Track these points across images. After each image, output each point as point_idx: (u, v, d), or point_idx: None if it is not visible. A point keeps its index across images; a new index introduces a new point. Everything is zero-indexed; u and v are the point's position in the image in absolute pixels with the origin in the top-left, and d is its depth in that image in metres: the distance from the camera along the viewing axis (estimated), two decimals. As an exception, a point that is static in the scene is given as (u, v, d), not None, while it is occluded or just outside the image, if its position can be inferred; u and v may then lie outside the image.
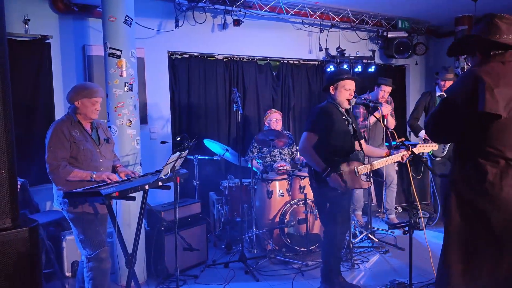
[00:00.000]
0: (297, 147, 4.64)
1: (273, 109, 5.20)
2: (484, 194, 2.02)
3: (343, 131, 3.35)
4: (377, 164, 3.43)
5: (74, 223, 3.03)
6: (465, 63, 6.36)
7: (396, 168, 5.93)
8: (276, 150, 5.02)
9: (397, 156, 3.38)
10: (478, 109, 1.94)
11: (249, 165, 4.61)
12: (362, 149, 3.54)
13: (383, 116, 4.99)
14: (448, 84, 4.77)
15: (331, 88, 3.41)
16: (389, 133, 5.11)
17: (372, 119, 4.96)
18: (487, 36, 2.06)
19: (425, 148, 3.59)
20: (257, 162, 5.02)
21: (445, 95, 2.15)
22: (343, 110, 3.42)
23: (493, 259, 2.02)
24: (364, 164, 3.39)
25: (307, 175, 3.93)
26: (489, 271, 2.03)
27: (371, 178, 4.91)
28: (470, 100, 1.98)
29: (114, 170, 3.31)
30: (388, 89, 5.15)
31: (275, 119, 5.02)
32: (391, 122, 5.19)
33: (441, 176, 2.39)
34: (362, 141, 3.57)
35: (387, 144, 3.51)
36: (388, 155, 3.48)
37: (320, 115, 3.33)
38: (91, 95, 3.04)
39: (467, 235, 2.08)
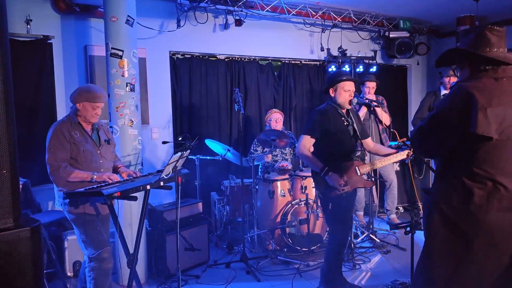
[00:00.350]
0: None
1: (274, 109, 5.21)
2: (469, 216, 1.95)
3: (342, 132, 3.37)
4: (380, 162, 3.43)
5: (76, 224, 3.03)
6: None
7: (398, 169, 5.92)
8: (278, 150, 5.02)
9: (401, 155, 3.37)
10: (469, 130, 1.87)
11: (256, 163, 4.61)
12: (364, 149, 3.54)
13: (375, 110, 4.95)
14: (453, 80, 4.71)
15: (330, 90, 3.42)
16: (382, 136, 5.15)
17: (361, 113, 4.92)
18: (476, 49, 1.98)
19: None
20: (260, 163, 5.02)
21: (434, 111, 2.08)
22: (343, 111, 3.43)
23: (473, 280, 1.99)
24: (365, 163, 3.39)
25: (309, 175, 3.94)
26: None
27: (373, 178, 4.92)
28: (461, 118, 1.91)
29: (116, 170, 3.31)
30: (372, 84, 5.10)
31: (274, 119, 5.01)
32: (385, 117, 5.06)
33: (424, 191, 2.33)
34: (369, 140, 3.57)
35: (391, 143, 3.50)
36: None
37: (317, 118, 3.36)
38: (93, 99, 3.04)
39: (448, 255, 2.03)
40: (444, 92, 5.07)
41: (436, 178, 2.19)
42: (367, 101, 4.03)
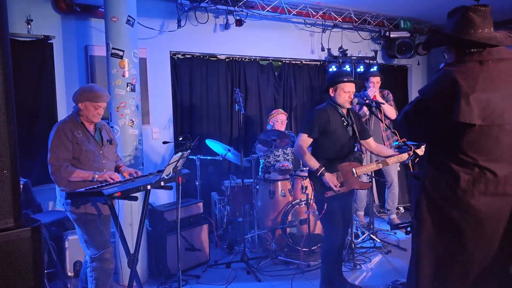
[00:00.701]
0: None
1: (279, 110, 5.17)
2: (456, 201, 1.95)
3: (341, 132, 3.36)
4: (380, 164, 3.42)
5: (78, 224, 3.03)
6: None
7: (399, 169, 5.92)
8: (280, 150, 5.02)
9: (404, 156, 3.37)
10: (452, 117, 1.86)
11: (261, 161, 4.61)
12: (364, 150, 3.54)
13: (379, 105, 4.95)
14: None
15: (330, 90, 3.42)
16: (384, 135, 5.14)
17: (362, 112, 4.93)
18: (461, 32, 1.94)
19: None
20: (260, 163, 5.02)
21: (419, 96, 2.05)
22: (344, 111, 3.42)
23: (462, 266, 1.98)
24: (362, 164, 3.39)
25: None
26: (458, 278, 1.99)
27: (373, 179, 4.92)
28: (445, 105, 1.89)
29: (117, 170, 3.32)
30: (376, 79, 5.12)
31: (280, 120, 5.02)
32: (390, 111, 5.06)
33: (414, 176, 2.31)
34: (371, 140, 3.57)
35: (395, 143, 3.48)
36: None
37: (316, 117, 3.35)
38: (95, 99, 3.04)
39: (437, 241, 2.02)
40: None
41: (424, 162, 2.17)
42: (367, 101, 4.03)
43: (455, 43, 2.01)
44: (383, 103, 4.73)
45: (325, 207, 3.29)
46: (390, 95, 5.27)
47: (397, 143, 3.43)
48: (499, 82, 1.88)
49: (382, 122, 4.04)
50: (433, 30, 6.99)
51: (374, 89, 5.04)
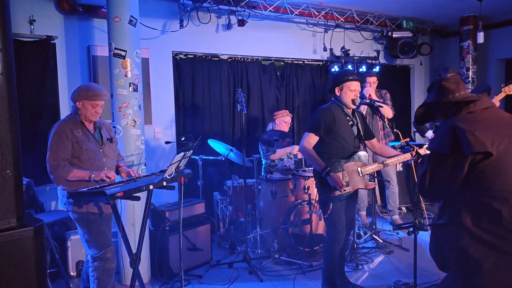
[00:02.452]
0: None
1: (286, 111, 5.15)
2: (504, 233, 1.97)
3: (346, 132, 3.35)
4: (384, 164, 3.42)
5: (80, 223, 3.04)
6: (470, 63, 6.34)
7: (401, 169, 5.91)
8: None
9: (407, 156, 3.36)
10: (466, 154, 1.96)
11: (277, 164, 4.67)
12: (366, 150, 3.54)
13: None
14: None
15: (336, 89, 3.41)
16: (381, 133, 5.14)
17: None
18: (442, 99, 2.20)
19: None
20: (263, 163, 5.02)
21: (428, 153, 2.18)
22: (349, 111, 3.42)
23: None
24: (367, 164, 3.38)
25: (312, 175, 3.93)
26: None
27: (375, 179, 4.91)
28: (456, 148, 2.00)
29: (117, 169, 3.32)
30: (372, 79, 5.08)
31: (286, 122, 5.02)
32: (386, 110, 4.94)
33: (434, 225, 2.32)
34: (374, 141, 3.57)
35: (403, 144, 3.48)
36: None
37: (322, 116, 3.34)
38: (93, 98, 3.05)
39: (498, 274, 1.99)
40: None
41: (443, 211, 2.19)
42: (369, 101, 4.02)
43: (441, 111, 2.24)
44: (381, 102, 4.70)
45: (331, 207, 3.28)
46: (388, 94, 5.25)
47: (399, 143, 3.43)
48: (490, 124, 2.06)
49: (383, 120, 4.03)
50: (436, 30, 6.98)
51: (370, 88, 5.03)
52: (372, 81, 5.09)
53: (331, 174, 3.20)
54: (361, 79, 3.88)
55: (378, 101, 4.47)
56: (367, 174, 3.36)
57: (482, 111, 2.12)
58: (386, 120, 5.12)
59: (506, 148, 1.98)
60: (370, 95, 4.97)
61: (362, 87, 5.15)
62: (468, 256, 2.04)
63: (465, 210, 2.07)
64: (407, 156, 3.36)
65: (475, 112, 2.11)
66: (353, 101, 3.38)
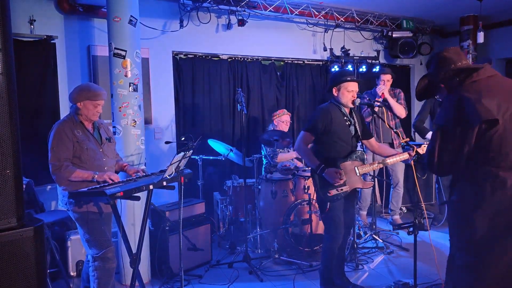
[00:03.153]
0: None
1: (285, 110, 5.14)
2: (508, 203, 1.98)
3: (343, 131, 3.36)
4: (384, 162, 3.42)
5: (80, 223, 3.04)
6: (470, 63, 6.32)
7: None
8: (285, 149, 5.02)
9: (405, 155, 3.37)
10: (474, 124, 1.96)
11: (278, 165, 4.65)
12: (366, 149, 3.54)
13: (388, 103, 4.95)
14: None
15: (334, 90, 3.42)
16: (393, 133, 5.13)
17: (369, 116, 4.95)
18: (445, 69, 2.17)
19: None
20: (263, 162, 5.01)
21: (435, 128, 2.18)
22: (346, 110, 3.43)
23: None
24: (364, 164, 3.39)
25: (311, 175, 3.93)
26: None
27: (375, 179, 4.91)
28: (462, 120, 2.01)
29: (122, 169, 3.33)
30: (387, 77, 5.05)
31: (285, 121, 5.02)
32: (398, 109, 5.02)
33: (444, 203, 2.34)
34: (372, 140, 3.57)
35: (403, 144, 3.48)
36: None
37: (319, 116, 3.35)
38: (94, 97, 3.06)
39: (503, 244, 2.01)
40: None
41: (453, 187, 2.20)
42: (368, 101, 4.03)
43: (444, 82, 2.21)
44: (382, 106, 4.70)
45: (328, 206, 3.29)
46: (402, 94, 5.21)
47: (414, 142, 3.42)
48: (496, 91, 2.04)
49: (384, 121, 4.04)
50: (436, 30, 6.98)
51: (383, 86, 5.00)
52: (386, 79, 5.05)
53: (326, 170, 3.21)
54: (361, 80, 3.87)
55: (378, 100, 4.48)
56: (366, 174, 3.36)
57: (486, 79, 2.10)
58: (392, 121, 5.15)
59: (510, 114, 1.99)
60: (383, 93, 4.96)
61: (375, 85, 5.14)
62: (473, 229, 2.05)
63: (472, 184, 2.08)
64: (406, 155, 3.37)
65: (479, 80, 2.09)
66: (353, 101, 3.39)
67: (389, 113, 5.10)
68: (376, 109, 4.83)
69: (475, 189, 2.07)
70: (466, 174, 2.11)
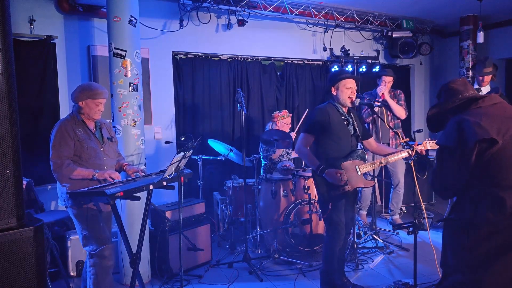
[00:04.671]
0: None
1: (285, 111, 5.12)
2: (509, 219, 1.99)
3: (342, 131, 3.36)
4: (384, 161, 3.41)
5: (79, 219, 3.04)
6: (470, 63, 6.33)
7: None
8: (283, 150, 5.02)
9: (404, 153, 3.36)
10: (471, 144, 2.01)
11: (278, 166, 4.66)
12: (366, 149, 3.54)
13: (388, 104, 4.96)
14: (488, 79, 4.60)
15: (332, 89, 3.43)
16: (392, 133, 5.13)
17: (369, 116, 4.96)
18: (452, 100, 2.27)
19: (431, 144, 3.48)
20: (262, 164, 5.02)
21: (438, 148, 2.24)
22: (344, 110, 3.43)
23: None
24: (365, 162, 3.39)
25: (311, 175, 3.93)
26: None
27: (376, 178, 4.91)
28: (462, 140, 2.06)
29: (122, 168, 3.33)
30: (388, 79, 5.08)
31: (287, 124, 5.01)
32: (398, 111, 5.05)
33: (443, 220, 2.36)
34: (371, 140, 3.57)
35: (402, 144, 3.49)
36: None
37: (317, 116, 3.36)
38: (96, 96, 3.07)
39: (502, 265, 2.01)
40: (476, 86, 4.92)
41: (454, 207, 2.24)
42: (368, 101, 4.03)
43: (452, 113, 2.28)
44: (382, 106, 4.71)
45: (330, 207, 3.29)
46: (402, 95, 5.24)
47: (413, 143, 3.42)
48: (498, 116, 2.11)
49: (384, 121, 4.03)
50: (436, 30, 6.98)
51: (384, 87, 5.03)
52: (388, 80, 5.08)
53: (327, 170, 3.21)
54: (359, 77, 3.87)
55: (378, 101, 4.48)
56: (367, 173, 3.36)
57: (490, 106, 2.17)
58: (391, 122, 5.15)
59: (510, 135, 2.02)
60: (383, 94, 4.97)
61: (376, 85, 5.16)
62: (468, 249, 2.06)
63: (470, 203, 2.10)
64: (406, 153, 3.36)
65: (483, 107, 2.17)
66: (352, 101, 3.39)
67: (389, 113, 5.11)
68: (376, 109, 4.83)
69: (472, 208, 2.09)
70: (466, 193, 2.13)
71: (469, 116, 2.11)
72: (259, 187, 4.67)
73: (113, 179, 2.98)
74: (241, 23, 5.35)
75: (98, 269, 3.04)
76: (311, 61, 6.31)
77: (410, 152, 3.33)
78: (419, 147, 3.30)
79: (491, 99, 2.20)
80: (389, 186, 5.53)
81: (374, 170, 4.17)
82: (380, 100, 4.89)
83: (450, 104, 2.27)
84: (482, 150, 2.02)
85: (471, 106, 2.20)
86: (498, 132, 2.01)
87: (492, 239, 2.02)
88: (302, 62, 6.26)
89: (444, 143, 2.16)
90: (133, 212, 3.80)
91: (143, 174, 3.22)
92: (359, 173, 3.32)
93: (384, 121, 4.06)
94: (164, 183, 2.89)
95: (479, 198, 2.07)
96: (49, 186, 4.48)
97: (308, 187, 4.48)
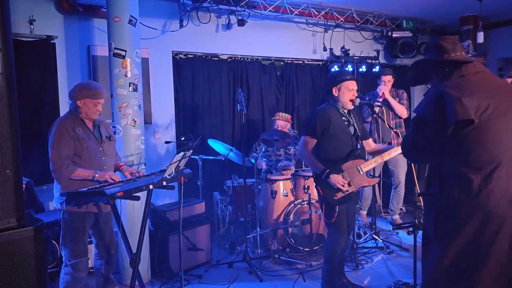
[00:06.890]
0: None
1: (280, 114, 5.14)
2: (473, 201, 1.99)
3: (343, 132, 3.36)
4: (381, 157, 3.42)
5: (64, 225, 3.04)
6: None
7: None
8: (281, 150, 5.02)
9: (396, 150, 3.38)
10: (450, 121, 1.99)
11: (252, 161, 4.62)
12: (364, 148, 3.54)
13: (389, 103, 4.96)
14: None
15: (334, 90, 3.40)
16: (393, 133, 5.13)
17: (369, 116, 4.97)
18: (438, 58, 2.21)
19: None
20: (264, 162, 5.02)
21: (414, 117, 2.21)
22: (344, 111, 3.42)
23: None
24: (366, 161, 3.39)
25: (311, 175, 3.93)
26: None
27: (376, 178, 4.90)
28: (440, 115, 2.03)
29: (118, 168, 3.32)
30: (387, 78, 5.10)
31: (280, 126, 5.02)
32: (400, 110, 5.06)
33: (422, 194, 2.36)
34: (370, 141, 3.57)
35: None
36: None
37: (317, 118, 3.33)
38: (95, 96, 3.05)
39: (470, 251, 2.01)
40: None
41: (430, 181, 2.23)
42: (368, 100, 4.03)
43: (435, 70, 2.25)
44: (382, 106, 4.71)
45: (337, 210, 3.27)
46: (405, 94, 5.26)
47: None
48: (481, 89, 2.08)
49: (384, 121, 4.03)
50: (436, 30, 6.98)
51: (384, 87, 5.04)
52: (387, 80, 5.10)
53: (331, 175, 3.20)
54: (360, 79, 3.87)
55: (378, 101, 4.48)
56: (368, 171, 3.37)
57: (474, 75, 2.13)
58: (392, 121, 5.15)
59: (489, 117, 2.01)
60: (383, 94, 4.97)
61: (376, 85, 5.16)
62: (439, 223, 2.09)
63: (439, 180, 2.11)
64: (398, 150, 3.37)
65: (466, 76, 2.13)
66: (352, 102, 3.39)
67: (390, 112, 5.11)
68: (376, 109, 4.84)
69: (441, 184, 2.11)
70: (440, 171, 2.13)
71: (450, 88, 2.06)
72: (259, 187, 4.67)
73: (114, 180, 2.98)
74: (241, 23, 5.35)
75: (70, 279, 3.05)
76: (311, 61, 6.31)
77: None
78: None
79: (475, 67, 2.15)
80: (389, 186, 5.53)
81: (374, 169, 4.17)
82: (381, 99, 4.89)
83: (434, 63, 2.23)
84: (458, 128, 2.01)
85: (455, 73, 2.15)
86: (476, 110, 1.99)
87: (454, 215, 2.03)
88: (302, 62, 6.26)
89: (422, 115, 2.13)
90: (133, 212, 3.80)
91: (139, 175, 3.20)
92: (361, 172, 3.32)
93: (384, 121, 4.05)
94: (164, 183, 2.89)
95: (447, 175, 2.08)
96: (49, 186, 4.48)
97: (308, 187, 4.49)
